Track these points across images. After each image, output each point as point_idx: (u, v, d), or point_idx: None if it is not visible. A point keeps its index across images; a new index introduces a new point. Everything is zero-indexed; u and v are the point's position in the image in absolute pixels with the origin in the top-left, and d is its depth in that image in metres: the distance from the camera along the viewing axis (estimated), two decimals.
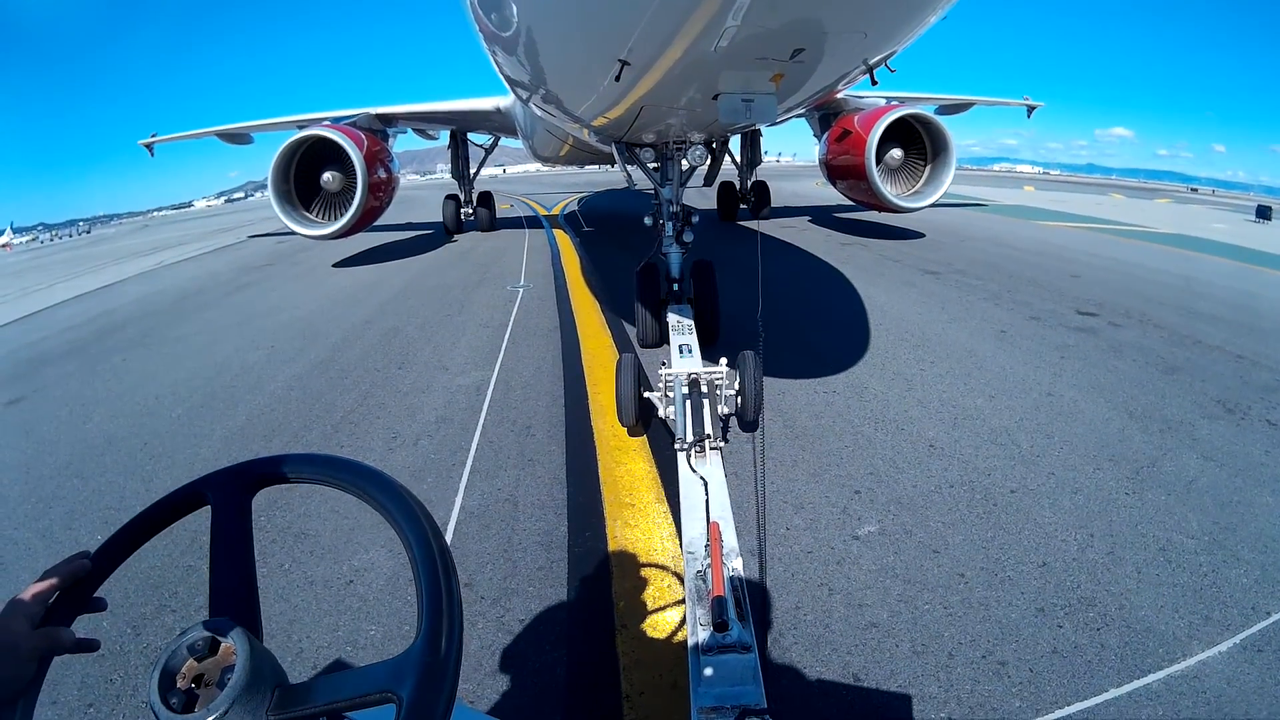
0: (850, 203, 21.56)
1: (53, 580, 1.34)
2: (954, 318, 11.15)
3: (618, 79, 3.92)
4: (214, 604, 1.33)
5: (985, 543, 5.07)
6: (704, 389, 5.82)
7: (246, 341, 11.75)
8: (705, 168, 8.09)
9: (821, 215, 25.89)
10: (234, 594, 1.35)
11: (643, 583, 4.72)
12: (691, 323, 7.72)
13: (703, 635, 3.23)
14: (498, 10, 4.17)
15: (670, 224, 8.33)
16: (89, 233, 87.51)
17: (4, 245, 75.99)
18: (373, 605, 4.64)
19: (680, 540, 4.59)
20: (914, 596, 4.51)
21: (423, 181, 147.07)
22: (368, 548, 5.30)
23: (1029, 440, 6.69)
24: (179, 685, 1.09)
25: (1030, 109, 29.05)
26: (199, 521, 1.46)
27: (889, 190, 18.94)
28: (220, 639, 1.14)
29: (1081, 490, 5.80)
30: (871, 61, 3.97)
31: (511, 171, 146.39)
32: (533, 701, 3.82)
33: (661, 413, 6.24)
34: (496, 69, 5.92)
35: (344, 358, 10.18)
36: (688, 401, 5.59)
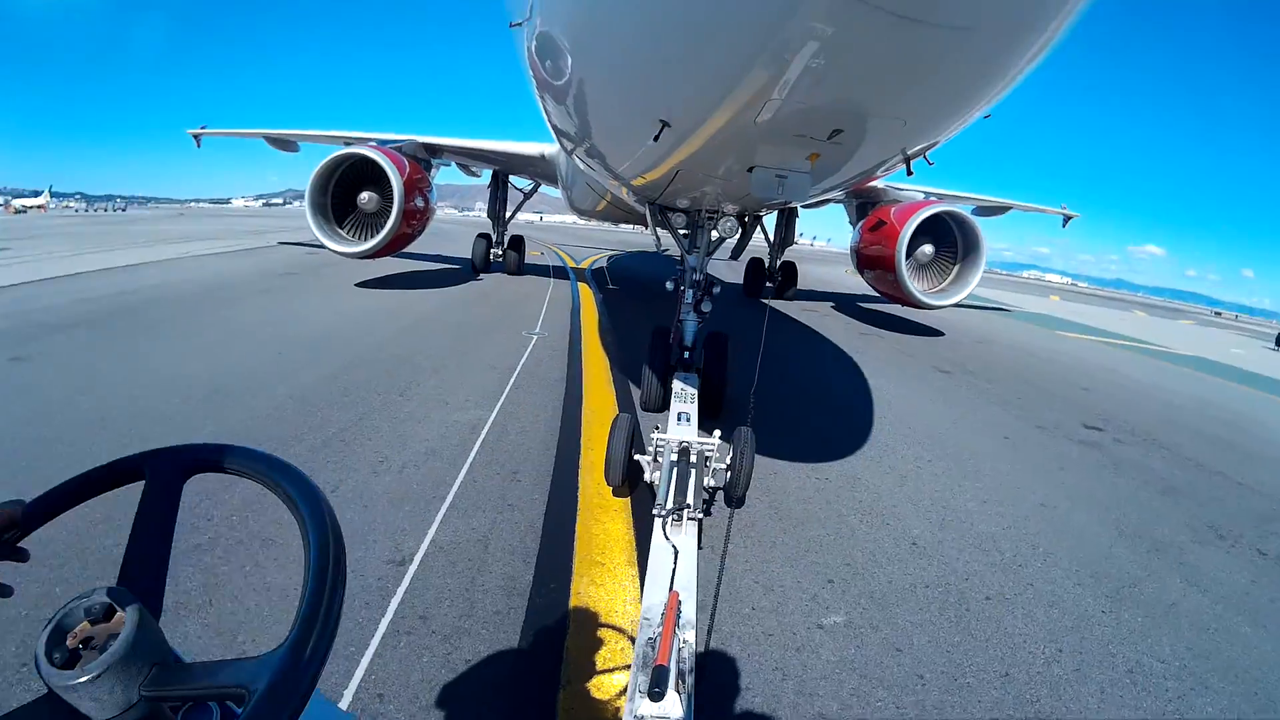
0: (875, 294, 21.63)
1: None
2: (959, 418, 11.12)
3: (656, 139, 3.95)
4: (123, 574, 1.36)
5: (951, 646, 4.99)
6: (693, 458, 5.81)
7: (258, 345, 11.78)
8: (734, 240, 8.10)
9: (845, 303, 25.99)
10: (143, 568, 1.37)
11: (597, 643, 4.66)
12: (695, 392, 7.71)
13: (639, 704, 3.18)
14: (553, 59, 4.23)
15: (691, 291, 8.31)
16: (124, 210, 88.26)
17: (39, 206, 76.80)
18: None
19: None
20: (868, 692, 4.43)
21: (459, 217, 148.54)
22: None
23: (1014, 549, 6.62)
24: (68, 643, 1.12)
25: (1066, 219, 29.10)
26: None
27: (915, 285, 19.08)
28: (117, 608, 1.16)
29: (1058, 604, 5.71)
30: (910, 152, 3.98)
31: (548, 220, 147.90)
32: None
33: (648, 476, 6.22)
34: (545, 117, 5.98)
35: (349, 377, 10.18)
36: (675, 469, 5.57)
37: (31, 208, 76.02)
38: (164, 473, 1.49)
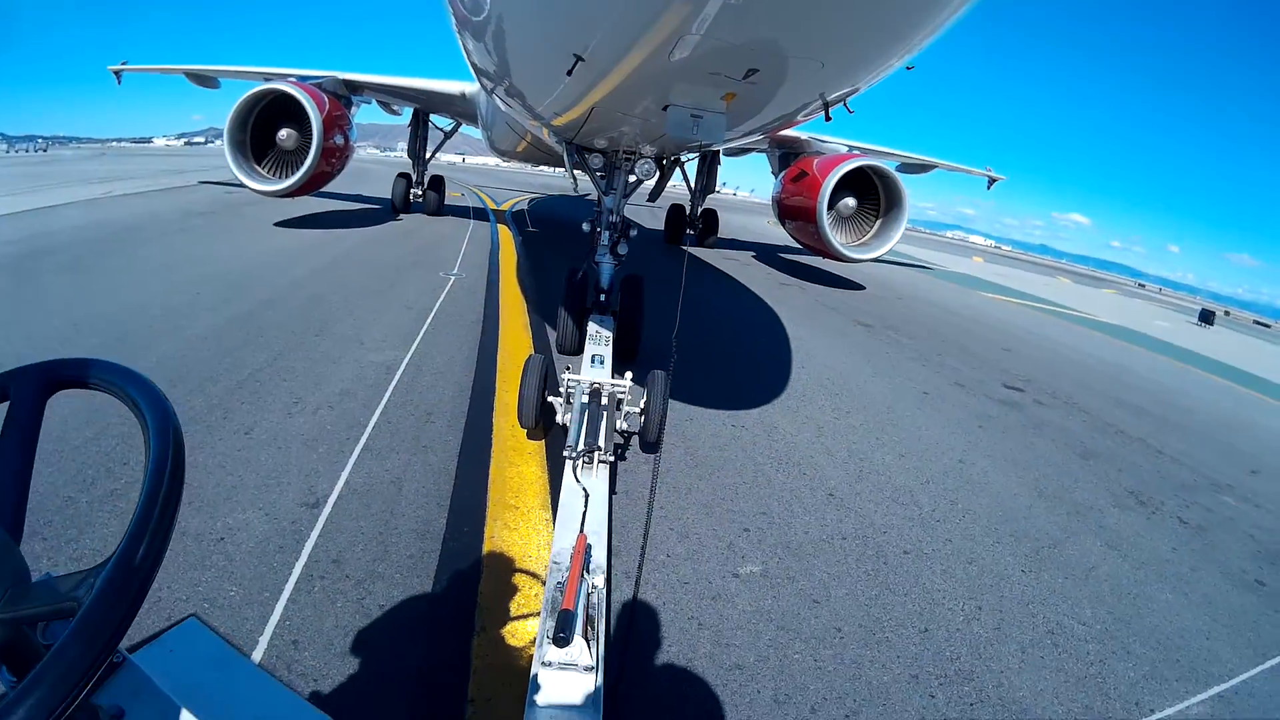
0: (797, 245, 21.71)
1: None
2: (878, 372, 11.19)
3: (570, 73, 3.89)
4: None
5: (869, 600, 4.99)
6: (604, 400, 5.75)
7: (174, 285, 11.44)
8: (653, 183, 8.04)
9: (766, 253, 26.03)
10: (3, 490, 1.32)
11: (511, 588, 4.60)
12: (610, 334, 7.67)
13: (546, 649, 3.11)
14: None
15: (608, 233, 8.29)
16: (45, 151, 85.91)
17: None
18: (238, 565, 4.50)
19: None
20: (785, 644, 4.41)
21: (381, 156, 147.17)
22: (245, 508, 5.13)
23: (932, 504, 6.65)
24: None
25: (991, 180, 29.41)
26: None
27: (837, 238, 19.22)
28: None
29: (977, 561, 5.75)
30: (829, 97, 3.94)
31: (471, 161, 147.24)
32: (377, 691, 3.69)
33: (560, 418, 6.15)
34: (465, 55, 5.92)
35: (264, 316, 9.94)
36: (585, 410, 5.52)
37: None
38: (26, 390, 1.43)
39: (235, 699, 1.42)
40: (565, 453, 5.09)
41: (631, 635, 4.30)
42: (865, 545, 5.72)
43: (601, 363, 6.72)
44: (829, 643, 4.49)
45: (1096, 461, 8.53)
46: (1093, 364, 14.90)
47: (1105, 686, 4.46)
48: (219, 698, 1.38)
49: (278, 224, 19.54)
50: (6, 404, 1.44)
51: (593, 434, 5.25)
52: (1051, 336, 17.81)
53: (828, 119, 4.15)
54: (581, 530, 4.19)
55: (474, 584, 4.57)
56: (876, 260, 19.99)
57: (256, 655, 3.78)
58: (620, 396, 6.02)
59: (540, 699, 3.00)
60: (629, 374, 6.08)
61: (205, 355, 8.14)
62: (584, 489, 4.67)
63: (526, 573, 4.76)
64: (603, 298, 8.39)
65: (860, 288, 20.56)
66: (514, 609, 4.40)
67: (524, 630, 4.16)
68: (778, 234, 24.79)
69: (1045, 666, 4.57)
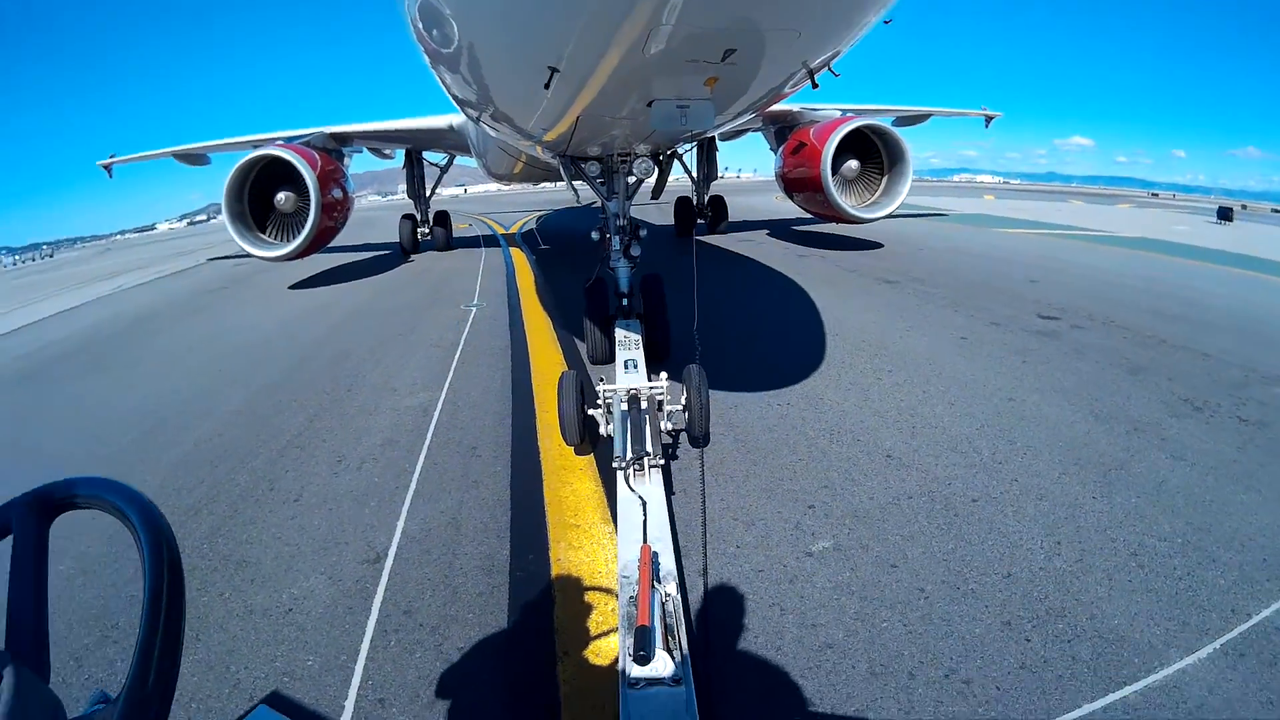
0: (808, 215, 21.64)
1: None
2: (912, 326, 11.06)
3: (547, 86, 3.89)
4: (9, 637, 1.24)
5: (946, 555, 4.91)
6: (644, 405, 5.70)
7: (198, 366, 11.56)
8: (653, 181, 7.98)
9: (779, 229, 25.85)
10: (24, 627, 1.26)
11: (586, 608, 4.55)
12: (639, 338, 7.62)
13: (630, 668, 3.05)
14: (438, 27, 4.16)
15: (618, 238, 8.24)
16: (52, 256, 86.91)
17: None
18: (310, 635, 4.48)
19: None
20: (871, 614, 4.34)
21: (384, 202, 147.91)
22: (308, 574, 5.13)
23: (991, 447, 6.55)
24: None
25: (988, 119, 29.22)
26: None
27: (845, 201, 19.05)
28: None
29: (1047, 496, 5.64)
30: (812, 64, 3.89)
31: (472, 191, 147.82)
32: None
33: (604, 430, 6.09)
34: (444, 88, 5.92)
35: (293, 381, 9.99)
36: (627, 418, 5.48)
37: None
38: (27, 520, 1.35)
39: None
40: (614, 464, 5.06)
41: (715, 635, 4.24)
42: (933, 500, 5.64)
43: (635, 367, 6.68)
44: (915, 605, 4.42)
45: (1145, 375, 8.36)
46: (1121, 280, 14.64)
47: (1199, 599, 4.35)
48: None
49: (291, 287, 19.65)
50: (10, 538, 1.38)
51: (639, 440, 5.20)
52: (1075, 260, 17.54)
53: (814, 86, 4.11)
54: (644, 540, 4.14)
55: (548, 610, 4.53)
56: (889, 216, 19.79)
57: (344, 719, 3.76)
58: (660, 398, 5.95)
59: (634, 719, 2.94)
60: (664, 374, 6.02)
61: (241, 430, 8.16)
62: (640, 497, 4.62)
63: (599, 589, 4.71)
64: (625, 302, 8.35)
65: (878, 246, 20.37)
66: (593, 628, 4.36)
67: (607, 648, 4.11)
68: (787, 208, 24.59)
69: (1135, 589, 4.47)
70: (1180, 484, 5.78)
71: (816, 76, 4.01)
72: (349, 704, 3.89)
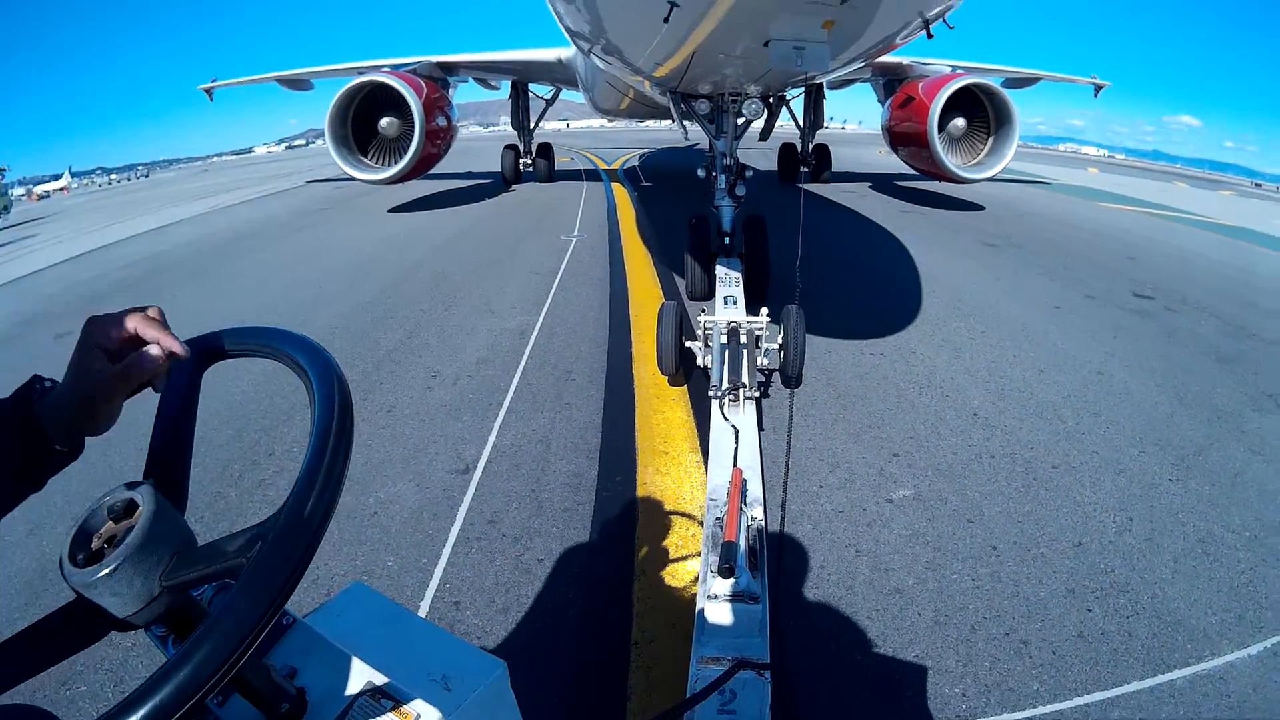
0: (911, 171, 21.28)
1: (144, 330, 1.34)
2: (1008, 290, 10.94)
3: (666, 20, 3.88)
4: (148, 469, 1.33)
5: (1021, 517, 4.95)
6: (743, 339, 5.75)
7: (297, 280, 11.82)
8: (762, 123, 7.96)
9: (882, 183, 25.38)
10: (166, 461, 1.35)
11: (666, 530, 4.69)
12: (739, 275, 7.62)
13: (711, 583, 3.15)
14: None
15: (724, 177, 8.19)
16: (148, 176, 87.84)
17: (62, 189, 76.58)
18: (394, 537, 4.69)
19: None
20: (942, 565, 4.42)
21: (486, 133, 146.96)
22: (395, 481, 5.34)
23: (1075, 417, 6.51)
24: (92, 545, 1.08)
25: (1098, 88, 28.23)
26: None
27: (950, 160, 18.68)
28: (138, 501, 1.11)
29: (1125, 472, 5.61)
30: (929, 14, 3.89)
31: (575, 126, 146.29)
32: (542, 641, 3.82)
33: (700, 361, 6.18)
34: (557, 19, 5.95)
35: (391, 299, 10.20)
36: (725, 350, 5.53)
37: (54, 191, 75.45)
38: (181, 364, 1.44)
39: (406, 648, 1.45)
40: (710, 393, 5.12)
41: (792, 566, 4.35)
42: (1014, 463, 5.65)
43: (735, 303, 6.68)
44: (985, 561, 4.47)
45: (1233, 366, 8.12)
46: (1219, 269, 14.10)
47: (1258, 595, 4.30)
48: (390, 648, 1.41)
49: (391, 210, 19.92)
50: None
51: (735, 372, 5.25)
52: (1173, 242, 16.99)
53: (929, 36, 4.10)
54: (735, 465, 4.22)
55: (630, 530, 4.68)
56: (992, 180, 19.39)
57: (421, 614, 3.93)
58: (759, 333, 6.00)
59: (709, 632, 3.06)
60: (764, 310, 6.05)
61: (338, 343, 8.34)
62: (733, 426, 4.68)
63: (682, 514, 4.84)
64: (727, 240, 8.33)
65: (980, 208, 19.91)
66: (672, 551, 4.49)
67: (683, 571, 4.24)
68: (891, 163, 24.13)
69: (1198, 576, 4.45)
70: (1255, 479, 5.67)
71: (932, 27, 4.01)
72: (424, 604, 4.07)
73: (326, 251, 14.53)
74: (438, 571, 4.33)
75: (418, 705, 1.25)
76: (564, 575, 4.29)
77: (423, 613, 3.99)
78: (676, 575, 4.21)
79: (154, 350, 1.31)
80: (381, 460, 5.63)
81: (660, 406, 6.44)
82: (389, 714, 1.23)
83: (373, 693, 1.28)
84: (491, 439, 5.88)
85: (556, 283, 10.68)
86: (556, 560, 4.43)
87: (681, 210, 9.93)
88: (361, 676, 1.32)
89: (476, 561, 4.41)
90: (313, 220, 19.69)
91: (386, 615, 1.61)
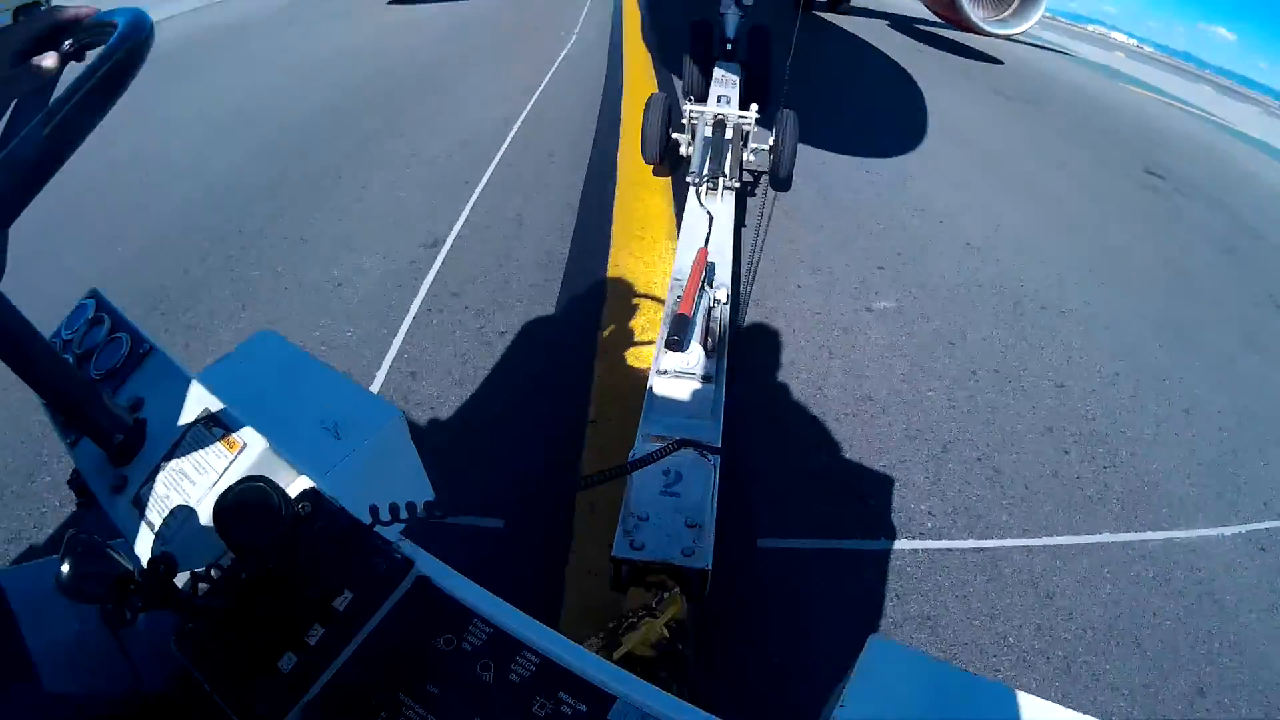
0: (933, 17, 20.74)
1: None
2: (1014, 139, 10.69)
3: None
4: None
5: (1004, 348, 4.84)
6: (729, 133, 5.50)
7: (283, 69, 11.33)
8: None
9: (901, 23, 24.69)
10: None
11: (633, 312, 4.56)
12: (737, 79, 7.30)
13: (662, 358, 2.97)
14: None
15: None
16: None
17: None
18: (355, 308, 4.56)
19: None
20: (919, 381, 4.33)
21: None
22: (363, 254, 5.16)
23: (1070, 269, 6.33)
24: None
25: None
26: None
27: (974, 10, 18.05)
28: None
29: (1114, 329, 5.48)
30: None
31: None
32: (498, 413, 3.74)
33: (684, 151, 5.94)
34: None
35: (378, 85, 9.85)
36: (710, 142, 5.29)
37: None
38: None
39: (302, 395, 1.46)
40: (689, 179, 4.89)
41: (763, 361, 4.23)
42: (1003, 295, 5.52)
43: (728, 102, 6.37)
44: (963, 384, 4.40)
45: (1235, 258, 7.93)
46: (1234, 171, 13.91)
47: (1238, 480, 4.22)
48: (285, 394, 1.43)
49: (390, 1, 19.24)
50: None
51: (718, 162, 5.03)
52: (1194, 135, 16.59)
53: None
54: (705, 246, 4.02)
55: (596, 309, 4.55)
56: (1013, 39, 18.94)
57: (373, 388, 3.85)
58: (747, 129, 5.74)
59: (657, 408, 2.93)
60: (754, 105, 5.72)
61: (321, 124, 8.10)
62: (708, 212, 4.48)
63: (652, 298, 4.68)
64: (729, 47, 8.03)
65: (998, 62, 19.26)
66: (637, 332, 4.37)
67: (647, 354, 4.09)
68: (912, 5, 23.61)
69: (1180, 445, 4.38)
70: (1249, 369, 5.53)
71: None
72: (380, 374, 3.97)
73: (319, 41, 13.91)
74: (396, 342, 4.21)
75: (245, 434, 1.15)
76: (524, 349, 4.19)
77: (376, 383, 3.89)
78: (640, 357, 4.09)
79: None
80: (349, 234, 5.44)
81: (642, 194, 6.22)
82: (218, 443, 1.15)
83: (207, 420, 1.19)
84: (464, 214, 5.68)
85: (551, 73, 10.37)
86: (518, 333, 4.31)
87: (688, 18, 9.63)
88: (199, 404, 1.22)
89: (437, 333, 4.29)
90: (306, 14, 19.13)
91: (289, 362, 1.61)
